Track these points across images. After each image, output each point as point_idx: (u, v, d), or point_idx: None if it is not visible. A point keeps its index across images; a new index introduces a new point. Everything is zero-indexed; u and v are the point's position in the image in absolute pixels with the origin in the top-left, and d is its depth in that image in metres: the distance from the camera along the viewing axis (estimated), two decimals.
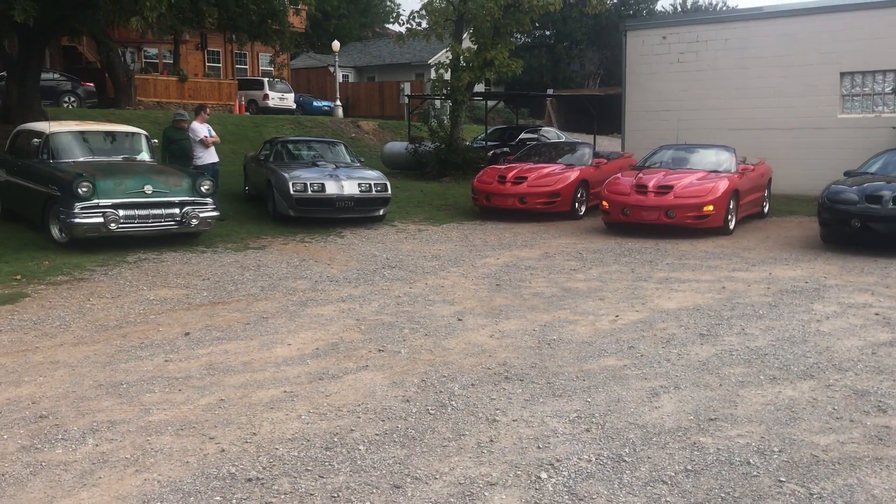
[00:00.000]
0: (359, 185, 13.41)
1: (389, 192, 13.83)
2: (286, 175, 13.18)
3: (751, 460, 4.36)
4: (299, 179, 13.11)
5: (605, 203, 13.02)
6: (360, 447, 4.53)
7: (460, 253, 11.14)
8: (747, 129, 18.39)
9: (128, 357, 6.19)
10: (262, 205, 14.48)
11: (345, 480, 4.12)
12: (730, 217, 12.78)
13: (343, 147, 15.87)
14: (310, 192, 13.05)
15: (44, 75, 19.93)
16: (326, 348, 6.47)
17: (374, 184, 13.60)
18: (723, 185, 12.58)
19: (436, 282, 9.17)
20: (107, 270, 9.47)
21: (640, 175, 13.06)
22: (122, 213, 10.40)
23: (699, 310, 7.79)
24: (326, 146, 15.73)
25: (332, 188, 13.15)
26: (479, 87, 28.91)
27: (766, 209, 15.02)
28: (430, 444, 4.58)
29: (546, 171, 14.83)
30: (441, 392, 5.45)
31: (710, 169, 13.27)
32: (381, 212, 13.85)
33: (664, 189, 12.51)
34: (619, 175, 13.64)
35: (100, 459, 4.35)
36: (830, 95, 17.76)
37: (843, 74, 17.68)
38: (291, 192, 12.95)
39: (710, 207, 12.29)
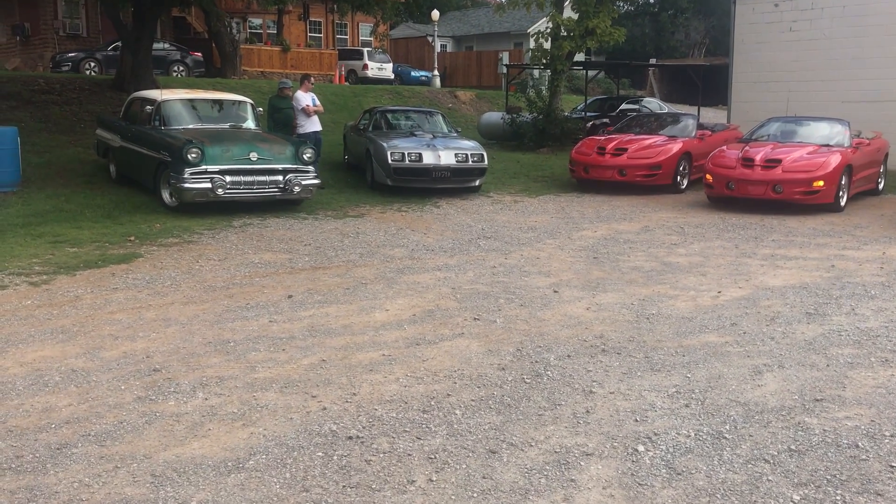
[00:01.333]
0: (455, 155, 13.43)
1: (486, 162, 13.80)
2: (385, 144, 13.32)
3: (860, 443, 4.20)
4: (397, 149, 13.22)
5: (708, 176, 12.64)
6: (457, 412, 4.59)
7: (557, 225, 11.06)
8: (864, 102, 17.44)
9: (234, 317, 6.44)
10: (360, 174, 14.69)
11: (441, 443, 4.19)
12: (841, 193, 12.20)
13: (440, 117, 15.86)
14: (407, 162, 13.15)
15: (155, 45, 20.68)
16: (423, 315, 6.56)
17: (471, 154, 13.60)
18: (835, 159, 12.02)
19: (531, 253, 9.14)
20: (214, 234, 9.84)
21: (747, 148, 12.61)
22: (228, 179, 10.75)
23: (806, 288, 7.51)
24: (424, 116, 15.77)
25: (429, 158, 13.22)
26: (580, 57, 28.37)
27: (881, 186, 14.27)
28: (525, 413, 4.60)
29: (647, 142, 14.50)
30: (537, 362, 5.46)
31: (821, 143, 12.68)
32: (478, 182, 13.85)
33: (772, 163, 12.03)
34: (724, 148, 13.21)
35: (209, 412, 4.56)
36: None
37: None
38: (390, 161, 13.09)
39: (821, 183, 11.76)
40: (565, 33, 19.89)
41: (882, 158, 14.12)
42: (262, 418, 4.48)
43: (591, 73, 27.77)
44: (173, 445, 4.15)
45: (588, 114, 22.54)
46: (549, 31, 20.81)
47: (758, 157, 12.16)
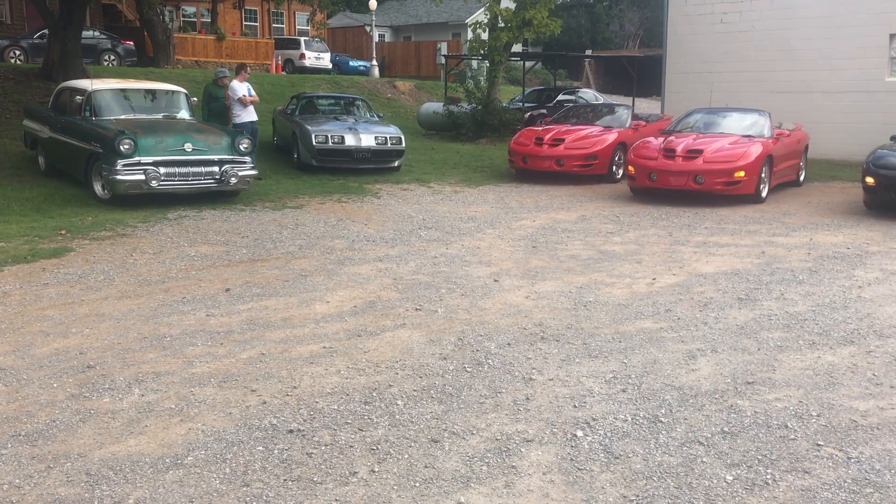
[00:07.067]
0: (375, 138, 14.67)
1: (404, 145, 14.95)
2: (309, 128, 14.38)
3: (788, 424, 4.35)
4: (321, 132, 14.35)
5: (631, 168, 12.46)
6: (399, 402, 4.60)
7: (497, 215, 11.13)
8: (791, 93, 18.00)
9: (170, 311, 6.32)
10: (289, 155, 15.46)
11: (383, 434, 4.19)
12: (762, 184, 12.21)
13: (363, 103, 17.07)
14: (330, 144, 14.27)
15: (84, 33, 20.09)
16: (364, 306, 6.54)
17: (390, 137, 14.81)
18: (756, 150, 11.94)
19: (472, 243, 9.18)
20: (148, 227, 9.63)
21: (669, 139, 12.56)
22: (162, 170, 10.53)
23: (737, 274, 7.73)
24: (348, 102, 17.02)
25: (350, 140, 14.40)
26: (517, 48, 28.53)
27: (801, 177, 14.29)
28: (466, 401, 4.63)
29: (583, 133, 14.67)
30: (477, 351, 5.50)
31: (743, 133, 12.65)
32: (397, 163, 14.97)
33: (693, 153, 11.92)
34: (647, 139, 13.12)
35: (146, 409, 4.48)
36: (879, 58, 17.26)
37: (892, 36, 17.12)
38: (314, 143, 14.16)
39: (742, 173, 11.72)
40: (503, 24, 20.01)
41: (802, 150, 14.16)
42: (200, 413, 4.42)
43: (528, 63, 27.98)
44: (109, 443, 4.06)
45: (526, 104, 22.73)
46: (486, 21, 20.89)
47: (679, 148, 12.06)
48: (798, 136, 13.95)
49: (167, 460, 3.88)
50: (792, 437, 4.20)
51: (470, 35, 21.73)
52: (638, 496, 3.60)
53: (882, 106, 16.85)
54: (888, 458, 3.94)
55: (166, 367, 5.12)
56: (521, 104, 22.94)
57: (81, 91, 12.02)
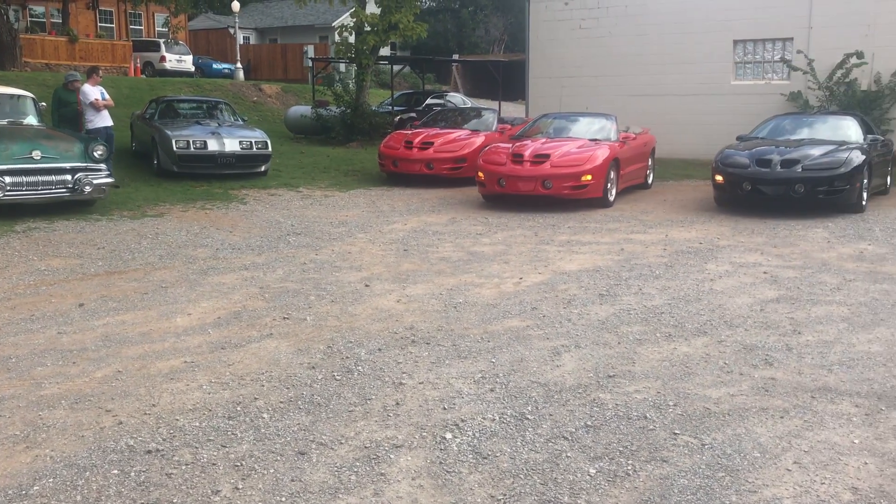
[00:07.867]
0: (240, 142, 14.33)
1: (270, 149, 14.76)
2: (170, 133, 13.93)
3: (647, 415, 4.52)
4: (182, 137, 13.91)
5: (480, 174, 12.28)
6: (264, 415, 4.48)
7: (367, 219, 11.08)
8: (646, 96, 18.83)
9: (17, 330, 5.92)
10: (148, 161, 14.88)
11: (248, 449, 4.06)
12: (610, 187, 12.18)
13: (227, 106, 16.67)
14: (192, 150, 13.86)
15: None
16: (229, 317, 6.34)
17: (255, 141, 14.52)
18: (602, 153, 11.95)
19: (343, 248, 9.09)
20: None
21: (517, 144, 12.55)
22: (8, 179, 9.91)
23: (599, 271, 7.99)
24: (211, 105, 16.60)
25: (213, 145, 14.02)
26: (385, 52, 28.57)
27: (649, 180, 14.54)
28: (335, 410, 4.56)
29: (452, 136, 14.85)
30: (347, 358, 5.43)
31: (590, 137, 12.76)
32: (263, 168, 14.71)
33: (541, 158, 11.84)
34: (497, 144, 13.08)
35: None
36: (724, 62, 18.34)
37: (736, 42, 18.25)
38: (175, 149, 13.71)
39: (589, 177, 11.69)
40: (369, 28, 19.95)
41: (649, 153, 14.43)
42: (49, 439, 4.15)
43: (396, 67, 28.05)
44: None
45: (395, 108, 22.78)
46: (353, 25, 20.80)
47: (527, 153, 11.93)
48: (644, 140, 14.18)
49: (10, 492, 3.61)
50: (651, 427, 4.36)
51: (337, 38, 21.58)
52: (505, 495, 3.64)
53: (728, 107, 17.88)
54: (738, 443, 4.16)
55: (11, 390, 4.78)
56: (390, 108, 22.96)
57: None
